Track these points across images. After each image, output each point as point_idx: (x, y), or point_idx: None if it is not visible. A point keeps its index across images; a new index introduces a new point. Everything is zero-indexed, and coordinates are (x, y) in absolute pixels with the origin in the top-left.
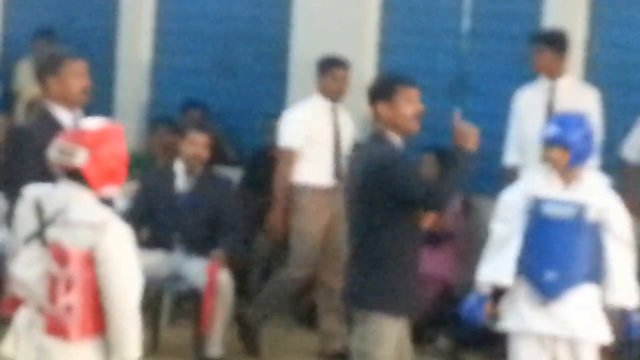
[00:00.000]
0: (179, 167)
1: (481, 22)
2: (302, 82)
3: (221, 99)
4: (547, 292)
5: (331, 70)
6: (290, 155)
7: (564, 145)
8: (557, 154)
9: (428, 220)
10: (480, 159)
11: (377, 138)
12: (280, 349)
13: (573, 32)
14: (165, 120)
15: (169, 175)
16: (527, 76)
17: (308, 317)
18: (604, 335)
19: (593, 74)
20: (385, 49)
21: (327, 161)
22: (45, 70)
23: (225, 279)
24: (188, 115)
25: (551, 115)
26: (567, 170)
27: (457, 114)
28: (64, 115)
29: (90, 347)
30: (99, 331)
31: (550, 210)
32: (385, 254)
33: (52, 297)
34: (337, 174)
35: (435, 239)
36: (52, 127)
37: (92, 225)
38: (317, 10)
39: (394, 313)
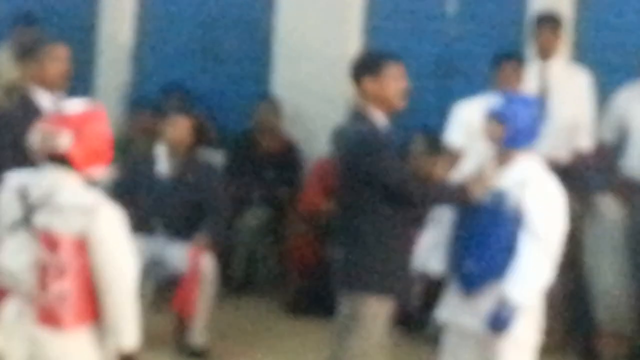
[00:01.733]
0: (160, 150)
1: (467, 5)
2: (285, 65)
3: (204, 82)
4: (468, 283)
5: (502, 64)
6: (454, 153)
7: (502, 120)
8: (493, 127)
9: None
10: None
11: (359, 116)
12: (270, 337)
13: (560, 14)
14: (146, 104)
15: (150, 159)
16: None
17: (295, 304)
18: (525, 331)
19: (581, 55)
20: (371, 31)
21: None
22: (26, 54)
23: (208, 264)
24: (170, 98)
25: (545, 96)
26: (502, 153)
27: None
28: (44, 100)
29: (85, 336)
30: (94, 318)
31: (478, 199)
32: (370, 235)
33: (43, 285)
34: None
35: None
36: (33, 112)
37: (82, 208)
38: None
39: (381, 294)
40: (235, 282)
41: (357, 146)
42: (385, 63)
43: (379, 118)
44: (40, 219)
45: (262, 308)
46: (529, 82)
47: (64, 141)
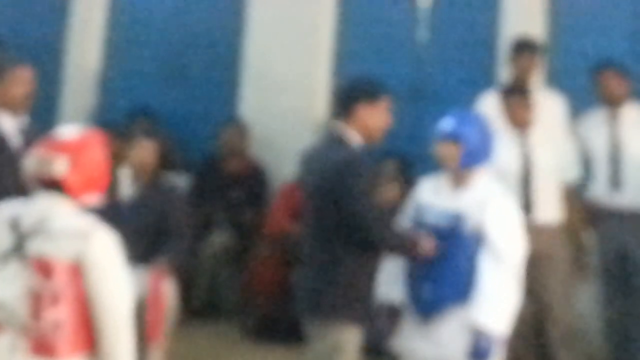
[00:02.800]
0: (124, 174)
1: (438, 30)
2: (253, 88)
3: (170, 106)
4: (424, 308)
5: (515, 99)
6: None
7: (456, 140)
8: (448, 148)
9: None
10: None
11: (336, 139)
12: None
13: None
14: (111, 127)
15: (113, 183)
16: (483, 82)
17: (259, 330)
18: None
19: (554, 81)
20: (341, 56)
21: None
22: None
23: (169, 288)
24: (136, 122)
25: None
26: (458, 173)
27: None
28: (6, 122)
29: None
30: (89, 347)
31: (429, 218)
32: (344, 262)
33: (36, 314)
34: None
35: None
36: None
37: (76, 233)
38: (270, 17)
39: (354, 322)
40: (197, 307)
41: (335, 171)
42: (382, 94)
43: (357, 143)
44: (34, 246)
45: (224, 334)
46: (499, 111)
47: (60, 167)
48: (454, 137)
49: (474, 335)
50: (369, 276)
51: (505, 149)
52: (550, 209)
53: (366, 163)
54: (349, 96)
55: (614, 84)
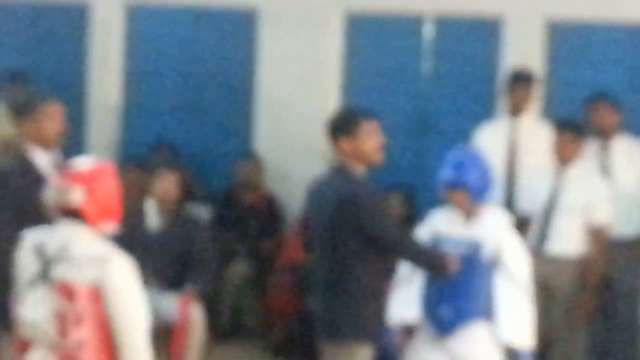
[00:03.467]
0: (150, 205)
1: (441, 63)
2: (267, 122)
3: (190, 139)
4: (443, 326)
5: (566, 135)
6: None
7: (462, 188)
8: (458, 196)
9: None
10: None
11: (340, 172)
12: None
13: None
14: (135, 160)
15: (140, 214)
16: (485, 114)
17: (280, 347)
18: None
19: (550, 111)
20: (348, 90)
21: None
22: (22, 113)
23: (197, 313)
24: (158, 154)
25: (514, 151)
26: (469, 209)
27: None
28: (41, 158)
29: None
30: None
31: (447, 247)
32: (356, 286)
33: (63, 333)
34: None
35: None
36: (30, 170)
37: (96, 259)
38: (281, 54)
39: (364, 342)
40: (222, 330)
41: (344, 203)
42: (359, 122)
43: (359, 173)
44: (57, 272)
45: (247, 354)
46: (499, 136)
47: (77, 196)
48: (459, 186)
49: (512, 356)
50: (379, 298)
51: (546, 181)
52: (570, 243)
53: (371, 191)
54: (331, 135)
55: (606, 115)
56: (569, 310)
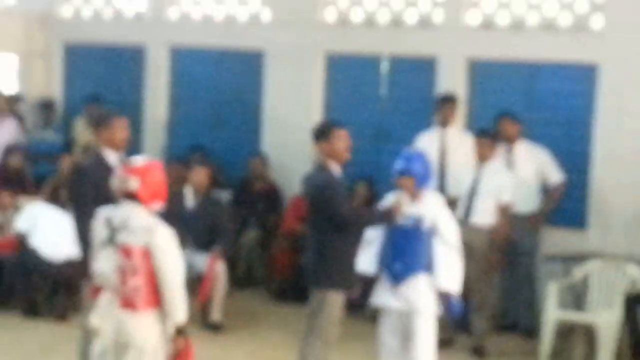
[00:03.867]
0: (188, 190)
1: (393, 90)
2: (270, 131)
3: (215, 144)
4: (396, 277)
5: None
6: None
7: (409, 174)
8: (406, 181)
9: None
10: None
11: (321, 168)
12: (262, 315)
13: (457, 95)
14: (177, 159)
15: (181, 197)
16: (425, 127)
17: (280, 293)
18: (434, 308)
19: (471, 124)
20: (329, 107)
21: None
22: (98, 124)
23: (221, 268)
24: (193, 155)
25: (443, 152)
26: (414, 192)
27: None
28: (111, 157)
29: (151, 315)
30: (157, 304)
31: (398, 220)
32: (330, 249)
33: (123, 281)
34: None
35: None
36: (103, 165)
37: (146, 228)
38: (280, 82)
39: (337, 289)
40: (239, 280)
41: (318, 189)
42: (332, 130)
43: (335, 169)
44: (120, 237)
45: (257, 298)
46: (433, 141)
47: (134, 184)
48: (407, 173)
49: (445, 298)
50: (347, 258)
51: (469, 174)
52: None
53: (338, 181)
54: (314, 139)
55: (510, 127)
56: (485, 264)
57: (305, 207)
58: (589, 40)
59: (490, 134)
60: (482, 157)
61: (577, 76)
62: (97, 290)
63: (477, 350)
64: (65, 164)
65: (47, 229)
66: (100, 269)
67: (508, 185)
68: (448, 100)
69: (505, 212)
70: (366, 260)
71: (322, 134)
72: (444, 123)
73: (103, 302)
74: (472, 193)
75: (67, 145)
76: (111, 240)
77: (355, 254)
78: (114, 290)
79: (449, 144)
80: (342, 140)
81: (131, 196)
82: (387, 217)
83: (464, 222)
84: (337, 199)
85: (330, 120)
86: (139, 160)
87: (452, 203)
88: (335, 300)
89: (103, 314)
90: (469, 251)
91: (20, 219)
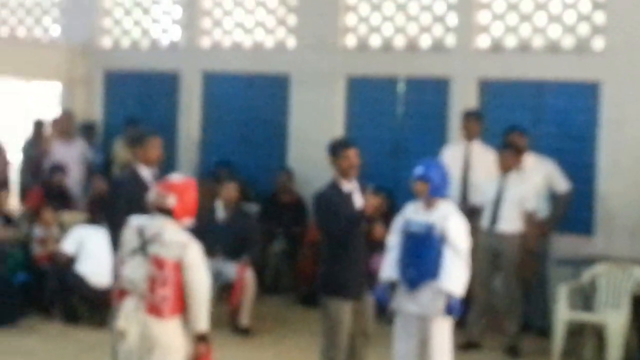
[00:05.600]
0: (218, 204)
1: (409, 108)
2: (295, 148)
3: (245, 160)
4: (410, 283)
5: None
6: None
7: (425, 180)
8: (421, 186)
9: (376, 234)
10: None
11: (332, 183)
12: (289, 319)
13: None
14: (208, 175)
15: (212, 210)
16: (439, 142)
17: (306, 299)
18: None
19: (483, 139)
20: (349, 125)
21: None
22: (135, 143)
23: (250, 275)
24: (223, 171)
25: (468, 164)
26: (428, 200)
27: (369, 189)
28: (145, 173)
29: (176, 321)
30: (181, 310)
31: (412, 228)
32: (331, 258)
33: (152, 289)
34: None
35: (381, 246)
36: (138, 180)
37: (179, 243)
38: (304, 103)
39: (335, 297)
40: (267, 287)
41: (313, 205)
42: (343, 149)
43: (345, 184)
44: (152, 249)
45: (284, 304)
46: (458, 154)
47: (171, 201)
48: (424, 178)
49: (446, 299)
50: (346, 266)
51: (493, 183)
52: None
53: (334, 196)
54: (328, 155)
55: (519, 140)
56: (515, 269)
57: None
58: (590, 60)
59: (515, 147)
60: (506, 168)
61: (580, 93)
62: (122, 294)
63: (512, 350)
64: (97, 182)
65: (93, 255)
66: (130, 276)
67: (531, 194)
68: (473, 116)
69: (531, 218)
70: (388, 266)
71: (333, 153)
72: (469, 137)
73: (129, 306)
74: (497, 202)
75: (107, 164)
76: (142, 249)
77: (360, 263)
78: (141, 297)
79: (473, 157)
80: (348, 158)
81: (166, 211)
82: (361, 215)
83: (490, 230)
84: (323, 213)
85: (343, 139)
86: (176, 178)
87: (474, 212)
88: (336, 307)
89: (129, 318)
90: (496, 257)
91: (68, 240)
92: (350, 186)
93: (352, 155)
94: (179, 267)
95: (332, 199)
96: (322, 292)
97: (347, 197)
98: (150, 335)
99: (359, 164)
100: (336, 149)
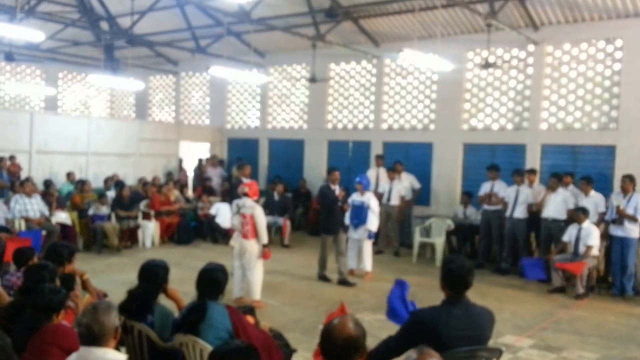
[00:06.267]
0: (275, 193)
1: (354, 153)
2: (308, 170)
3: (286, 175)
4: (354, 226)
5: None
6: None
7: (360, 183)
8: (358, 186)
9: (344, 208)
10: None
11: (326, 184)
12: (303, 242)
13: None
14: (270, 181)
15: (272, 196)
16: (367, 167)
17: (311, 231)
18: (371, 239)
19: (386, 165)
20: (329, 162)
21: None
22: (239, 167)
23: (288, 223)
24: (276, 179)
25: (378, 177)
26: (362, 191)
27: (341, 188)
28: (244, 180)
29: (254, 240)
30: (255, 235)
31: (355, 203)
32: (328, 217)
33: (243, 227)
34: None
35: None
36: (240, 183)
37: (251, 207)
38: (313, 154)
39: (329, 234)
40: (295, 227)
41: (318, 193)
42: (332, 171)
43: (332, 185)
44: (242, 210)
45: (302, 234)
46: (373, 174)
47: (246, 190)
48: (360, 182)
49: (368, 232)
50: (334, 219)
51: (386, 186)
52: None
53: (329, 192)
54: (326, 174)
55: (398, 166)
56: (396, 219)
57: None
58: (609, 134)
59: (396, 169)
60: (393, 177)
61: (603, 152)
62: (232, 231)
63: (396, 254)
64: (225, 185)
65: (222, 214)
66: (234, 223)
67: (404, 188)
68: (380, 157)
69: (404, 199)
70: (347, 219)
71: (328, 172)
72: (378, 165)
73: (235, 235)
74: (390, 192)
75: (229, 177)
76: (238, 212)
77: (337, 219)
78: (238, 231)
79: (380, 174)
80: (333, 175)
81: (245, 194)
82: (337, 198)
83: (387, 204)
84: (323, 198)
85: (332, 166)
86: (247, 181)
87: (381, 196)
88: (325, 238)
89: (235, 239)
90: (389, 215)
91: (212, 209)
92: (334, 186)
93: (336, 174)
94: (252, 217)
95: (325, 192)
96: (321, 231)
97: (333, 191)
98: (244, 246)
99: (339, 177)
100: (329, 171)
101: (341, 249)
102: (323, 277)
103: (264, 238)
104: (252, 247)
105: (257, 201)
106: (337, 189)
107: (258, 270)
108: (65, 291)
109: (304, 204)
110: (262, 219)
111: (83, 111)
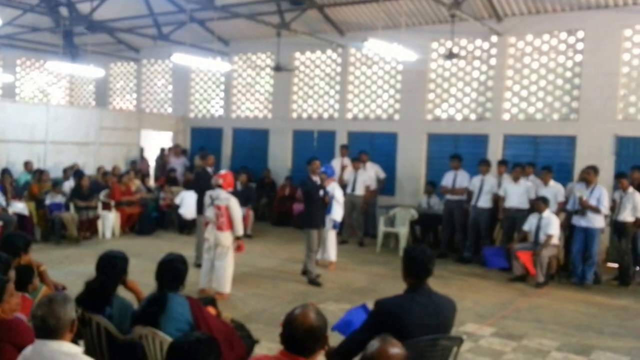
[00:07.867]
0: (239, 182)
1: (319, 143)
2: (272, 159)
3: (250, 164)
4: (328, 212)
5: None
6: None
7: (326, 172)
8: (324, 176)
9: (325, 200)
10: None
11: (308, 175)
12: (266, 233)
13: None
14: (236, 170)
15: (236, 186)
16: (332, 157)
17: (276, 222)
18: (336, 227)
19: (351, 155)
20: (294, 155)
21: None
22: (202, 157)
23: (251, 213)
24: (241, 169)
25: (342, 167)
26: (327, 180)
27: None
28: (208, 169)
29: (228, 232)
30: (231, 227)
31: (329, 191)
32: (310, 209)
33: (217, 219)
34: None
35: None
36: (206, 173)
37: (226, 198)
38: (278, 143)
39: (309, 228)
40: (258, 217)
41: (300, 184)
42: (312, 160)
43: (313, 176)
44: (216, 202)
45: (265, 224)
46: (338, 164)
47: (220, 181)
48: (326, 172)
49: (334, 221)
50: (314, 212)
51: (352, 175)
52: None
53: (310, 182)
54: (307, 164)
55: (364, 156)
56: (360, 209)
57: (287, 190)
58: (569, 125)
59: (361, 159)
60: (357, 167)
61: (564, 143)
62: (207, 224)
63: (360, 243)
64: (187, 175)
65: (186, 204)
66: (208, 215)
67: (370, 178)
68: (344, 147)
69: (369, 189)
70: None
71: (308, 162)
72: (343, 155)
73: (209, 228)
74: (354, 182)
75: (192, 166)
76: (212, 203)
77: (319, 212)
78: (213, 223)
79: (344, 163)
80: (314, 165)
81: (219, 186)
82: (319, 187)
83: (352, 194)
84: (304, 188)
85: (312, 157)
86: (222, 172)
87: (345, 186)
88: (309, 232)
89: (209, 232)
90: (353, 205)
91: (176, 199)
92: (315, 176)
93: (316, 163)
94: (227, 208)
95: (308, 182)
96: (304, 225)
97: (314, 182)
98: (218, 239)
99: (319, 166)
100: (309, 161)
101: (312, 245)
102: (313, 281)
103: (239, 230)
104: (227, 239)
105: (232, 193)
106: (318, 180)
107: (229, 262)
108: (4, 277)
109: (268, 194)
110: (237, 211)
111: (41, 99)
